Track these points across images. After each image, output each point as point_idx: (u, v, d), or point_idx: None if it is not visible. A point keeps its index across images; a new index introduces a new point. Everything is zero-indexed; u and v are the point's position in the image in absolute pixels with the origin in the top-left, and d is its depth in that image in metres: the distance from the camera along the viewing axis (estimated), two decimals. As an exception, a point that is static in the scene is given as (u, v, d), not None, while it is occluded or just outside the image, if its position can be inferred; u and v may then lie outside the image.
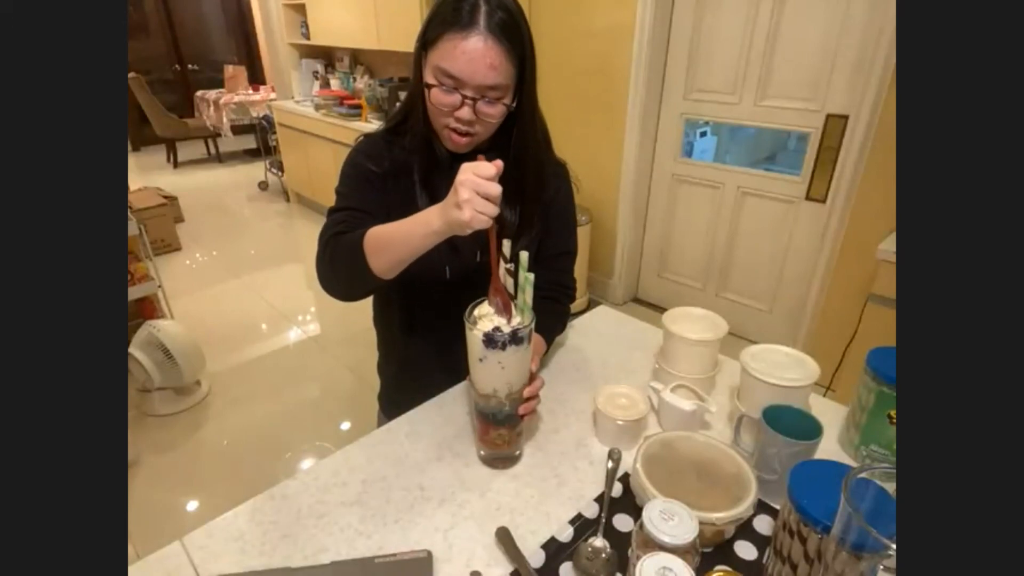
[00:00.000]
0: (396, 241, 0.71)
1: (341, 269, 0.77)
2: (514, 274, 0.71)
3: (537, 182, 0.90)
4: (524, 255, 0.68)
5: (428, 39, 0.77)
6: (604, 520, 0.67)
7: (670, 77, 2.55)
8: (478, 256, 0.91)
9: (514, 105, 0.80)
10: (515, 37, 0.74)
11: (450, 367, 0.91)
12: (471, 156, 0.66)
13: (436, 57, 0.75)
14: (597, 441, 0.82)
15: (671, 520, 0.54)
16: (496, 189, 0.62)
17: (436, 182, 0.87)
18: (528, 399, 0.76)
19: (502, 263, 0.74)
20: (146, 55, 6.19)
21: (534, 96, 0.83)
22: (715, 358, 0.89)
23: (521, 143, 0.85)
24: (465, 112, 0.77)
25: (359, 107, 3.58)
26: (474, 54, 0.72)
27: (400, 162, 0.87)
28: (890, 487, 0.47)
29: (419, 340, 0.99)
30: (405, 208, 0.84)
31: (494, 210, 0.62)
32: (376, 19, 3.31)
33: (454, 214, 0.62)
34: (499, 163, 0.63)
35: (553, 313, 0.98)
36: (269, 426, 2.16)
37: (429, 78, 0.77)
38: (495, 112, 0.78)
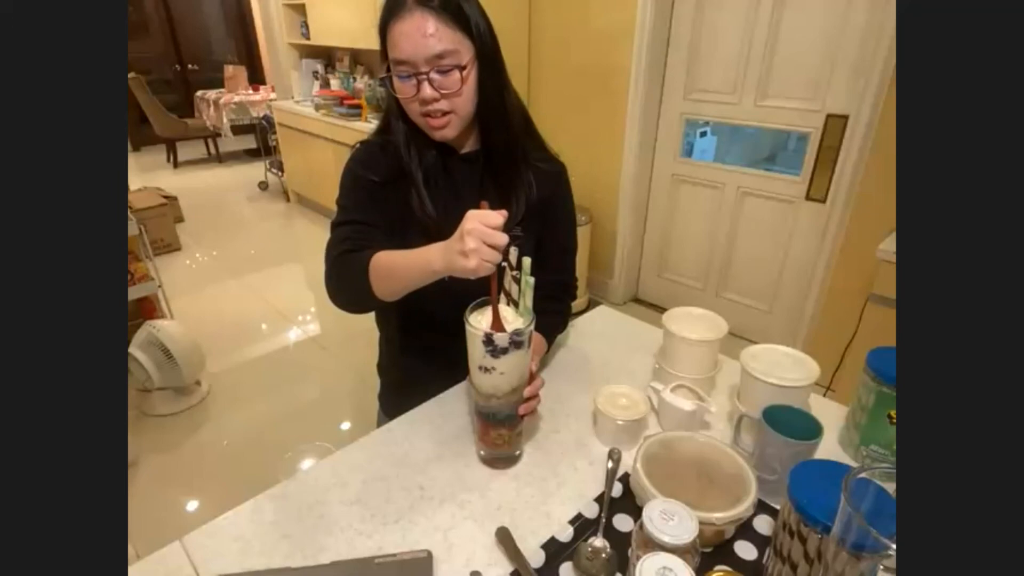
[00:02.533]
0: (398, 274, 0.73)
1: (348, 291, 0.80)
2: (518, 281, 0.72)
3: (515, 169, 0.89)
4: (527, 261, 0.69)
5: (383, 46, 0.80)
6: (604, 520, 0.67)
7: (670, 77, 2.55)
8: None
9: (467, 72, 0.78)
10: (449, 3, 0.76)
11: (449, 374, 0.91)
12: (475, 203, 0.66)
13: (389, 54, 0.79)
14: (597, 441, 0.82)
15: (671, 520, 0.54)
16: (503, 239, 0.63)
17: (429, 187, 0.87)
18: (528, 399, 0.76)
19: (508, 269, 0.74)
20: (146, 55, 6.19)
21: (501, 76, 0.84)
22: (715, 358, 0.89)
23: (488, 125, 0.85)
24: (426, 91, 0.77)
25: (359, 107, 3.57)
26: (410, 30, 0.75)
27: (396, 167, 0.87)
28: (890, 487, 0.47)
29: (417, 345, 0.99)
30: (403, 215, 0.85)
31: (499, 258, 0.64)
32: (376, 19, 3.30)
33: (460, 262, 0.63)
34: (504, 213, 0.65)
35: (554, 312, 0.98)
36: (269, 426, 2.16)
37: (393, 77, 0.80)
38: (451, 82, 0.78)
